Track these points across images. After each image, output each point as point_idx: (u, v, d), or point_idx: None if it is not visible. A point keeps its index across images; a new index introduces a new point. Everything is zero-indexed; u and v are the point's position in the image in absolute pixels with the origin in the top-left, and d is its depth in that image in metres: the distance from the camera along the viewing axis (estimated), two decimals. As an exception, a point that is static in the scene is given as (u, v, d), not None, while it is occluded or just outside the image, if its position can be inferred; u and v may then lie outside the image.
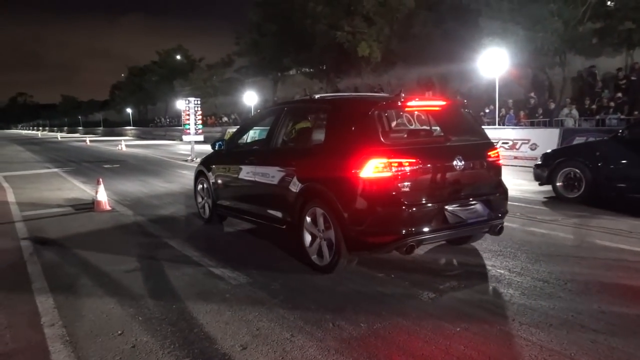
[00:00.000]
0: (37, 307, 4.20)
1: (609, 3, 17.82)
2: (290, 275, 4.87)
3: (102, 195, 8.60)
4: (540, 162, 8.95)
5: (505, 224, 5.22)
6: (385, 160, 4.39)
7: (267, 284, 4.60)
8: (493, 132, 14.00)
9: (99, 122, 78.78)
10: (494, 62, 15.16)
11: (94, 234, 6.81)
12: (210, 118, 41.79)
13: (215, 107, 45.04)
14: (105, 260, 5.47)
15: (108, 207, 8.58)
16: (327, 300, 4.18)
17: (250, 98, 30.15)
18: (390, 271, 4.91)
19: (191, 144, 18.79)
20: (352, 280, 4.69)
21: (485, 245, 5.69)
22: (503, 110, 17.64)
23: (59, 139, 51.09)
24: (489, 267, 4.98)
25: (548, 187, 8.85)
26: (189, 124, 18.06)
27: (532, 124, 17.26)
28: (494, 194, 5.05)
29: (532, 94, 19.46)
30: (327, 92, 32.15)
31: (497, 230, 5.09)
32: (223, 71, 45.83)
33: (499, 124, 16.73)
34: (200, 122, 18.31)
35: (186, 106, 18.27)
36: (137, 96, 64.12)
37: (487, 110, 19.67)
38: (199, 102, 18.34)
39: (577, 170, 8.24)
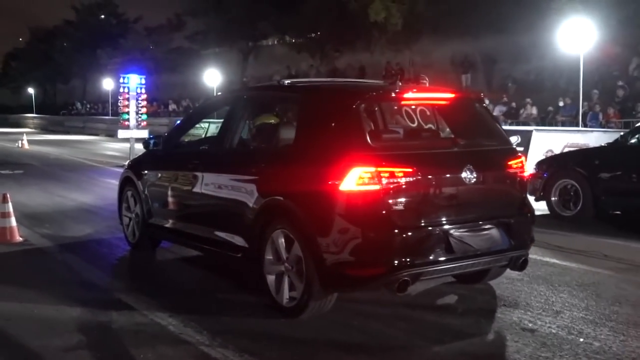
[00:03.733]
0: None
1: None
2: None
3: (10, 220, 7.97)
4: (535, 171, 9.71)
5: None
6: (372, 169, 4.54)
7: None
8: (569, 137, 13.68)
9: (-15, 106, 77.43)
10: (575, 35, 14.84)
11: (2, 284, 6.20)
12: (149, 105, 41.17)
13: (157, 89, 44.43)
14: (28, 330, 4.89)
15: (18, 239, 7.97)
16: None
17: (212, 78, 29.65)
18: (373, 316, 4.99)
19: (130, 142, 18.15)
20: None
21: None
22: (586, 106, 17.42)
23: None
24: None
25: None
26: (127, 114, 17.49)
27: (626, 126, 16.99)
28: (516, 216, 5.27)
29: (621, 83, 19.31)
30: (320, 70, 32.44)
31: (520, 264, 5.26)
32: (169, 37, 45.38)
33: (582, 125, 16.45)
34: (144, 111, 17.78)
35: (123, 87, 17.69)
36: (43, 70, 63.03)
37: (561, 104, 19.45)
38: (143, 82, 17.79)
39: (573, 182, 9.13)
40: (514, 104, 22.58)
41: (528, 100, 21.99)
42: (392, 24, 26.07)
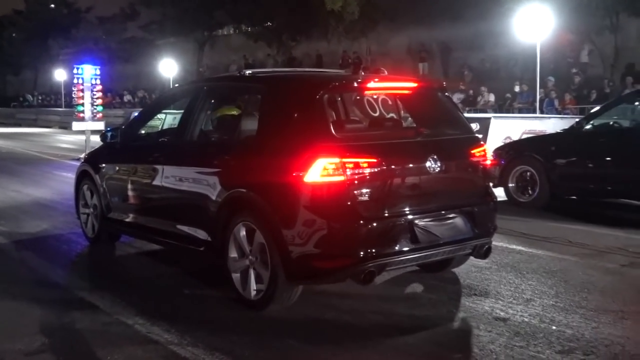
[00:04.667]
0: None
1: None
2: (301, 357, 4.24)
3: (-36, 218, 7.70)
4: (492, 158, 9.83)
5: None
6: (337, 160, 4.54)
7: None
8: (527, 124, 13.82)
9: None
10: (531, 23, 14.97)
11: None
12: (104, 96, 40.44)
13: (111, 80, 43.68)
14: (-12, 334, 4.67)
15: (-28, 236, 7.70)
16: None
17: (168, 68, 29.25)
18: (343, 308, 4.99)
19: (86, 135, 17.76)
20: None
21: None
22: (542, 92, 17.64)
23: None
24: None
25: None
26: (82, 105, 17.09)
27: (582, 112, 17.25)
28: (480, 204, 5.32)
29: (575, 70, 19.61)
30: (277, 60, 32.27)
31: (484, 252, 5.32)
32: (123, 27, 44.61)
33: (539, 111, 16.64)
34: (99, 102, 17.40)
35: (77, 78, 17.26)
36: (-8, 61, 61.43)
37: (517, 90, 19.64)
38: (98, 73, 17.39)
39: (530, 168, 9.33)
40: (471, 92, 22.75)
41: (484, 88, 22.20)
42: (348, 13, 26.01)
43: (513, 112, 18.90)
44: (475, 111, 20.18)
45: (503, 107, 20.58)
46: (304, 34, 30.58)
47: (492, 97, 21.63)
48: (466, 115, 17.60)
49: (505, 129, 13.53)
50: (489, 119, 14.69)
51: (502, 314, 4.90)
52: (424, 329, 4.70)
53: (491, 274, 5.97)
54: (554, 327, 4.60)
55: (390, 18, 26.21)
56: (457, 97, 22.72)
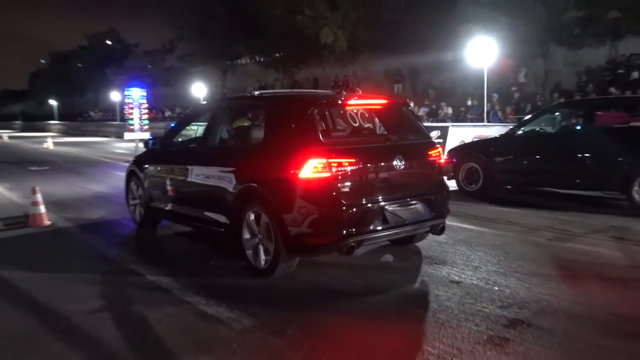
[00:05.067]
0: (-25, 372, 3.39)
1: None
2: (303, 313, 4.23)
3: (40, 207, 7.63)
4: (447, 157, 9.70)
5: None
6: (324, 160, 4.60)
7: (282, 329, 3.91)
8: (477, 131, 13.79)
9: (16, 115, 74.56)
10: (480, 51, 14.91)
11: (36, 260, 5.93)
12: (149, 112, 40.24)
13: (155, 99, 43.43)
14: (57, 297, 4.64)
15: (47, 222, 7.63)
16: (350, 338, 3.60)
17: (198, 90, 29.08)
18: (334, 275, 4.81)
19: (135, 143, 17.67)
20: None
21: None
22: (489, 106, 17.59)
23: (-31, 135, 47.94)
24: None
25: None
26: (132, 120, 17.01)
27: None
28: (435, 193, 5.31)
29: (514, 88, 19.55)
30: (283, 83, 32.05)
31: (439, 230, 5.40)
32: (164, 58, 44.31)
33: (486, 121, 16.56)
34: (146, 117, 17.30)
35: (128, 98, 17.18)
36: (62, 86, 60.92)
37: (469, 103, 19.58)
38: (144, 94, 17.30)
39: (475, 165, 9.33)
40: (434, 106, 22.62)
41: (443, 103, 22.11)
42: (338, 46, 25.78)
43: (466, 122, 18.77)
44: (437, 121, 20.05)
45: (459, 117, 20.45)
46: (304, 62, 30.34)
47: (450, 110, 21.51)
48: (429, 124, 17.81)
49: (460, 135, 13.55)
50: (448, 127, 14.70)
51: (456, 278, 4.91)
52: (395, 289, 4.74)
53: (448, 247, 5.97)
54: (496, 288, 4.60)
55: (371, 49, 25.96)
56: (423, 110, 22.67)
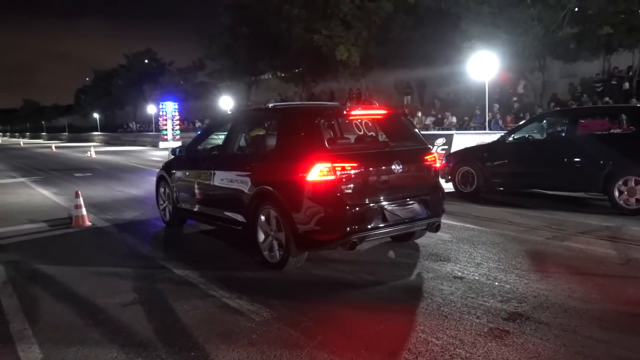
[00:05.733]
0: (20, 359, 3.39)
1: (589, 12, 17.75)
2: (317, 305, 4.18)
3: (82, 210, 7.70)
4: (444, 161, 9.91)
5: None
6: (329, 164, 4.65)
7: (298, 320, 3.88)
8: (479, 138, 13.59)
9: (64, 127, 75.65)
10: (482, 65, 14.74)
11: (76, 257, 5.97)
12: (181, 123, 40.55)
13: (187, 112, 43.77)
14: (95, 291, 4.66)
15: (88, 223, 7.70)
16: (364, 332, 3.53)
17: (226, 102, 29.23)
18: (346, 270, 4.72)
19: (168, 151, 17.78)
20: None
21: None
22: (490, 115, 17.38)
23: (22, 145, 48.76)
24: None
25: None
26: (166, 130, 17.14)
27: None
28: (431, 194, 5.31)
29: (514, 99, 19.31)
30: (302, 96, 32.10)
31: (435, 228, 5.40)
32: (195, 75, 44.64)
33: (488, 129, 16.35)
34: (178, 127, 17.41)
35: (162, 111, 17.32)
36: (104, 101, 61.80)
37: (478, 112, 19.36)
38: (177, 107, 17.42)
39: (470, 169, 9.28)
40: (439, 115, 22.47)
41: (448, 112, 21.93)
42: (352, 61, 25.71)
43: (470, 130, 18.60)
44: (443, 129, 19.92)
45: (462, 126, 20.26)
46: (321, 77, 30.31)
47: (454, 119, 21.33)
48: (435, 132, 17.60)
49: (464, 142, 13.35)
50: (452, 135, 14.57)
51: (459, 274, 4.83)
52: (401, 284, 4.67)
53: (452, 245, 5.88)
54: (496, 283, 4.52)
55: (382, 64, 25.88)
56: (430, 119, 22.52)
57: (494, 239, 6.13)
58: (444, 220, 7.03)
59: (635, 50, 17.78)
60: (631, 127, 8.05)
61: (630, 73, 18.14)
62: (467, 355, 3.23)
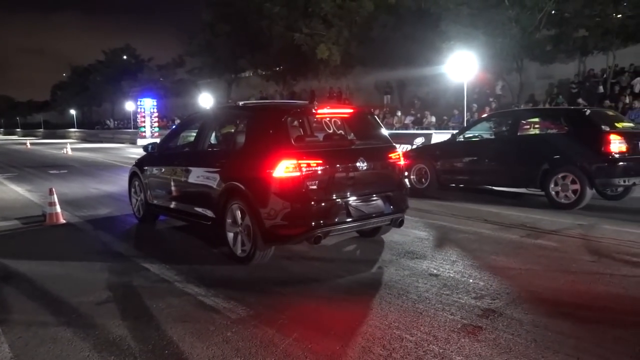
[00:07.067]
0: (-11, 358, 3.33)
1: (565, 14, 18.07)
2: (293, 303, 4.18)
3: (56, 207, 7.57)
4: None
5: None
6: (295, 161, 4.73)
7: (273, 317, 3.87)
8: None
9: (39, 123, 74.18)
10: (461, 65, 14.90)
11: (50, 255, 5.86)
12: (160, 120, 40.13)
13: (166, 109, 43.30)
14: (68, 290, 4.58)
15: (62, 220, 7.57)
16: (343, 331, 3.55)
17: (206, 100, 28.99)
18: (322, 268, 4.69)
19: (146, 148, 17.63)
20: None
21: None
22: (469, 115, 17.56)
23: (-4, 141, 47.71)
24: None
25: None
26: (144, 127, 16.94)
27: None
28: (395, 191, 5.43)
29: (492, 99, 19.55)
30: (282, 94, 32.03)
31: (398, 223, 5.53)
32: (174, 72, 44.18)
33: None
34: (156, 124, 17.23)
35: (140, 108, 17.11)
36: (81, 97, 60.77)
37: (456, 112, 19.55)
38: (155, 104, 17.23)
39: (424, 166, 9.63)
40: (419, 115, 22.67)
41: (427, 112, 22.12)
42: (333, 60, 25.80)
43: (448, 129, 18.79)
44: (422, 129, 20.09)
45: (441, 125, 20.49)
46: (302, 75, 30.36)
47: (433, 119, 21.54)
48: (415, 131, 17.73)
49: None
50: (431, 134, 14.72)
51: (435, 271, 4.87)
52: (378, 281, 4.67)
53: (429, 243, 5.93)
54: (471, 281, 4.57)
55: (362, 63, 26.01)
56: (409, 119, 22.69)
57: (470, 236, 6.20)
58: (420, 218, 7.13)
59: (609, 52, 18.19)
60: (565, 127, 8.38)
61: (605, 75, 18.54)
62: (441, 351, 3.27)
